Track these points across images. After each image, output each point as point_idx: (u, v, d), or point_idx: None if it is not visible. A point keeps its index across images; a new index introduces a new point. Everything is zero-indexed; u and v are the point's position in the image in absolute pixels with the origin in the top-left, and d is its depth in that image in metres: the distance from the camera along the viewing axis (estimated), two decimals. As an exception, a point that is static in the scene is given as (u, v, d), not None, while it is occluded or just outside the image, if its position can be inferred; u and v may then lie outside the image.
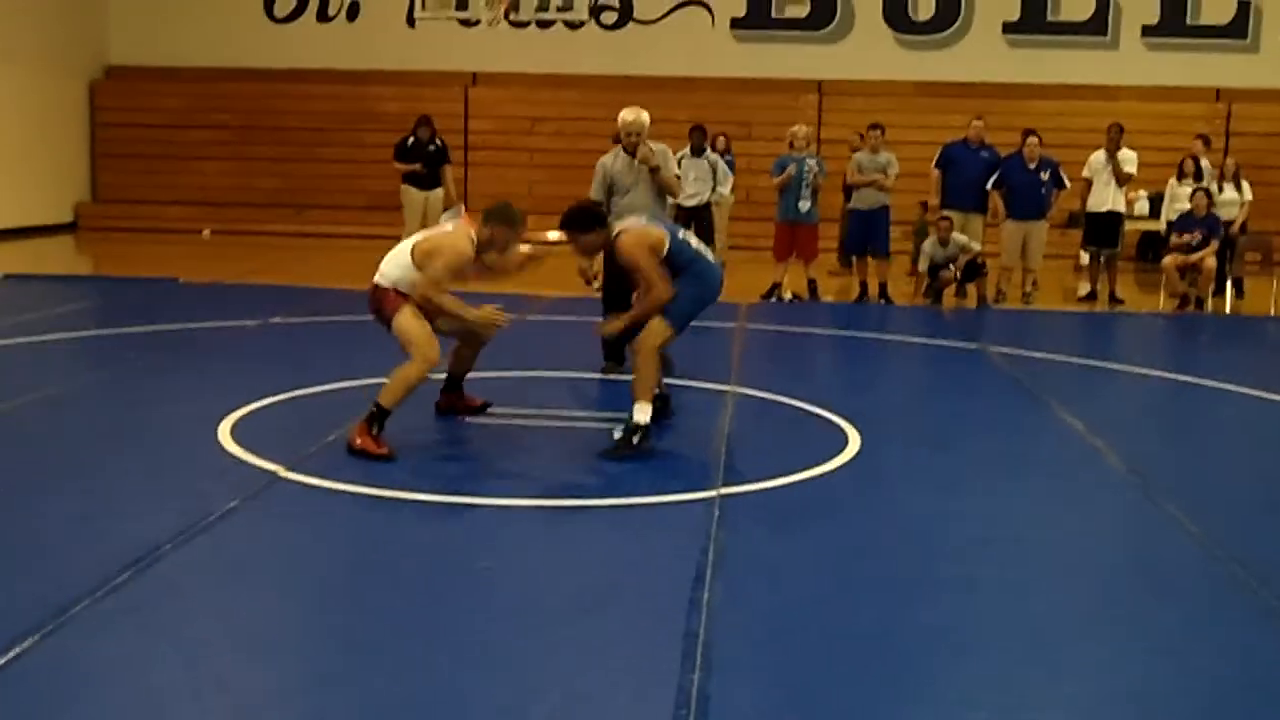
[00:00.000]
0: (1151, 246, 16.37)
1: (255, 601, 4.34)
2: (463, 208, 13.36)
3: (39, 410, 7.04)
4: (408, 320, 6.23)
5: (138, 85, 19.75)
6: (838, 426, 6.97)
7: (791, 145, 12.46)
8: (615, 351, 8.30)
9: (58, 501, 5.29)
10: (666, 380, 7.06)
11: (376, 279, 6.38)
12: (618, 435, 6.30)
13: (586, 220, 6.48)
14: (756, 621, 4.18)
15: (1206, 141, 14.75)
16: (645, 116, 8.39)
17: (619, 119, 8.39)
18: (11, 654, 3.69)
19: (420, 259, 6.25)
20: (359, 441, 6.06)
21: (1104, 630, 4.27)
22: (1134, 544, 5.32)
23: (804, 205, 12.40)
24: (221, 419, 6.65)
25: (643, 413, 6.27)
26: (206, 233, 18.48)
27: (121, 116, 19.66)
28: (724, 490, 5.64)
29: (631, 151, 8.31)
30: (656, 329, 6.37)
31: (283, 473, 5.71)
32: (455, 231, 6.42)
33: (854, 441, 6.64)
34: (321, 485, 5.57)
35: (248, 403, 7.05)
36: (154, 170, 19.38)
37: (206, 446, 6.18)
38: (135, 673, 3.68)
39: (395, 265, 6.35)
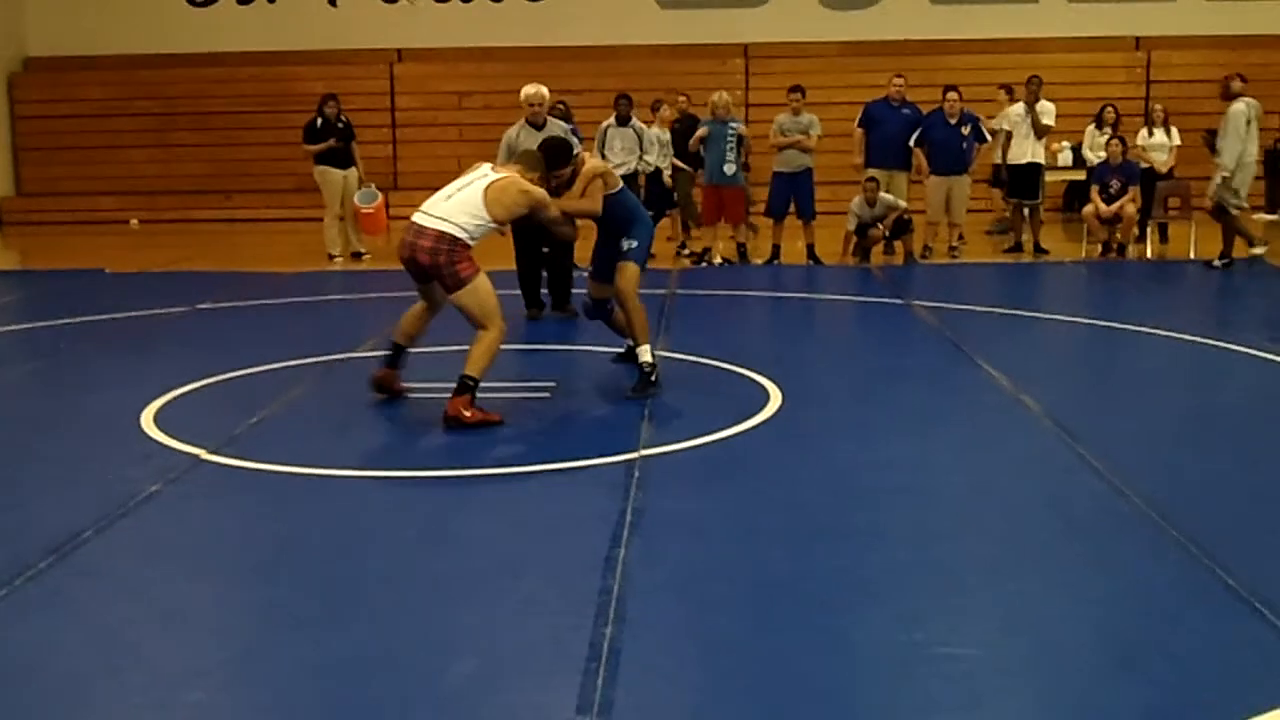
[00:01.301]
0: (1077, 196, 16.56)
1: (176, 582, 4.37)
2: (374, 186, 13.30)
3: (-39, 406, 7.01)
4: (484, 290, 6.36)
5: (58, 76, 19.42)
6: (761, 385, 7.07)
7: (714, 114, 12.51)
8: (559, 300, 9.63)
9: (-22, 494, 5.29)
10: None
11: (444, 228, 6.25)
12: (634, 380, 6.92)
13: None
14: (670, 577, 4.27)
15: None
16: (545, 90, 9.33)
17: (521, 93, 9.23)
18: (-71, 644, 3.71)
19: (505, 204, 6.37)
20: (469, 415, 6.13)
21: (1010, 568, 4.41)
22: (1046, 487, 5.43)
23: (729, 168, 12.44)
24: (146, 406, 6.65)
25: (646, 353, 6.97)
26: (134, 222, 18.29)
27: (42, 108, 19.33)
28: (645, 452, 5.73)
29: (536, 124, 8.81)
30: (631, 274, 6.96)
31: (205, 455, 5.73)
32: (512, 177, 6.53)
33: (775, 399, 6.75)
34: (244, 466, 5.60)
35: (173, 389, 7.05)
36: (78, 161, 19.09)
37: (130, 433, 6.18)
38: (56, 657, 3.71)
39: (465, 213, 6.31)
